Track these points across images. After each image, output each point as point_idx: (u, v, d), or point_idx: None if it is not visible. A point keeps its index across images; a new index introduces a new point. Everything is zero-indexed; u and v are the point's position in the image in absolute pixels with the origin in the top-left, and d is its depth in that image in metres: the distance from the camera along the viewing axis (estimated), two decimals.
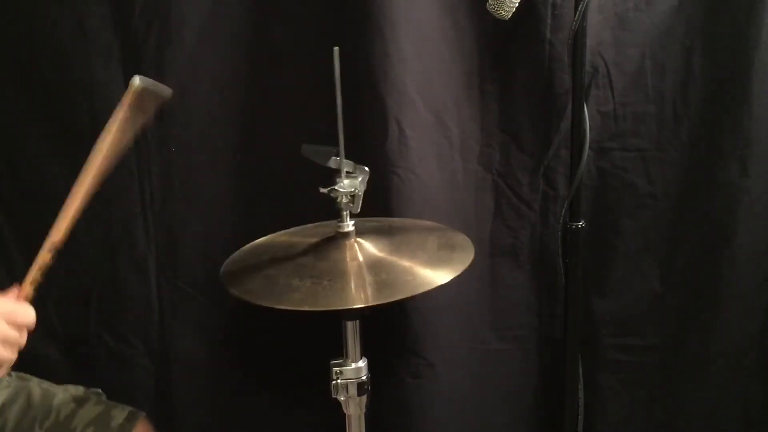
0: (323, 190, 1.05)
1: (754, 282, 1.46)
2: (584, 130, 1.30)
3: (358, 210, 1.09)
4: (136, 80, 0.93)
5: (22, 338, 0.87)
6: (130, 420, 1.19)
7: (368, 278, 1.01)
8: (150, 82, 0.94)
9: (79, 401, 1.20)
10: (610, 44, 1.38)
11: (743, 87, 1.36)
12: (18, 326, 0.87)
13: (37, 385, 1.22)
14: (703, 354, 1.50)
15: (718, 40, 1.36)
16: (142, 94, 0.94)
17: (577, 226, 1.34)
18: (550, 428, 1.57)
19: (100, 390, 1.25)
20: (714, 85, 1.39)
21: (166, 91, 0.96)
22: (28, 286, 0.91)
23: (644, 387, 1.56)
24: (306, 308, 0.96)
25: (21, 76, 1.40)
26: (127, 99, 0.94)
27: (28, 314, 0.88)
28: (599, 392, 1.55)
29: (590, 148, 1.35)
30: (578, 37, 1.25)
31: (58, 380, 1.27)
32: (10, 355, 0.86)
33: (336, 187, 1.05)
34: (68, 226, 0.94)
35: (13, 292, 0.90)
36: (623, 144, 1.44)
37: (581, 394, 1.44)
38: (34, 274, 0.92)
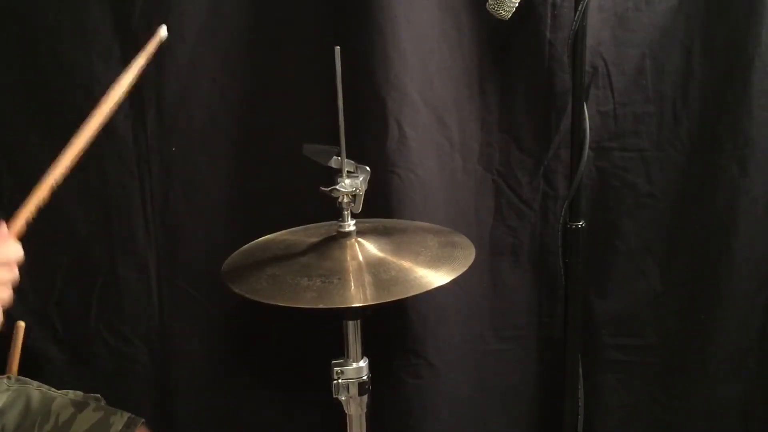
0: (324, 190, 1.05)
1: (754, 282, 1.46)
2: (584, 130, 1.30)
3: (359, 209, 1.09)
4: (164, 30, 1.00)
5: (15, 274, 0.86)
6: (129, 426, 1.18)
7: (373, 277, 1.01)
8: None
9: (78, 406, 1.19)
10: (610, 44, 1.39)
11: (743, 87, 1.36)
12: (8, 264, 0.85)
13: (36, 389, 1.22)
14: (703, 354, 1.50)
15: (718, 40, 1.37)
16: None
17: (577, 226, 1.34)
18: (550, 428, 1.57)
19: (99, 395, 1.25)
20: (714, 85, 1.39)
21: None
22: (22, 223, 0.89)
23: (644, 387, 1.56)
24: (321, 306, 0.96)
25: (21, 76, 1.40)
26: (151, 47, 1.00)
27: (16, 251, 0.86)
28: (599, 392, 1.55)
29: (590, 148, 1.35)
30: (578, 37, 1.26)
31: (59, 379, 1.27)
32: (5, 294, 0.85)
33: (337, 187, 1.05)
34: (70, 165, 0.94)
35: (1, 228, 0.88)
36: (623, 144, 1.44)
37: (581, 394, 1.45)
38: (30, 211, 0.90)
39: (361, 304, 0.97)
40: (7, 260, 0.85)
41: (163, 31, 0.99)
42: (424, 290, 0.99)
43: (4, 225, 0.88)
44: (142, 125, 1.42)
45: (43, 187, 0.92)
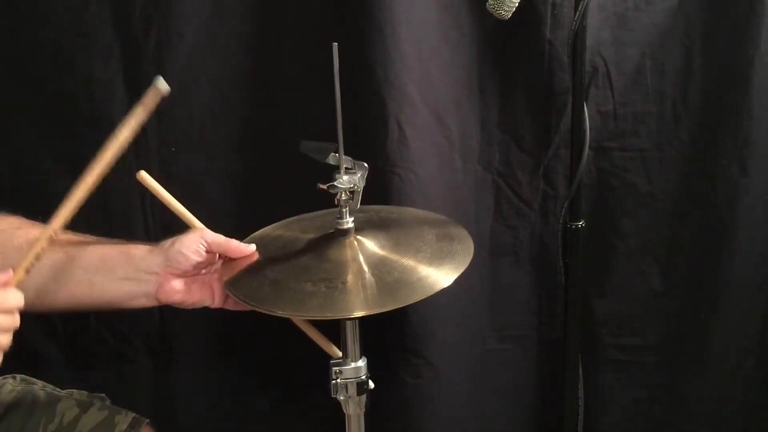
0: (322, 186, 1.04)
1: (754, 282, 1.46)
2: (584, 130, 1.30)
3: (357, 206, 1.09)
4: (164, 86, 0.97)
5: (15, 321, 0.87)
6: (134, 426, 1.18)
7: (377, 278, 0.99)
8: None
9: (83, 406, 1.19)
10: (610, 44, 1.39)
11: (743, 87, 1.36)
12: (9, 311, 0.86)
13: (41, 389, 1.22)
14: (703, 354, 1.50)
15: (718, 40, 1.36)
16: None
17: (577, 226, 1.34)
18: (550, 428, 1.57)
19: (104, 395, 1.25)
20: (714, 85, 1.39)
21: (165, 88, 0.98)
22: (22, 272, 0.91)
23: (644, 387, 1.56)
24: (329, 315, 0.95)
25: (21, 76, 1.40)
26: (149, 100, 0.97)
27: (17, 298, 0.88)
28: (599, 392, 1.55)
29: (590, 148, 1.35)
30: (578, 36, 1.25)
31: (59, 379, 1.27)
32: (5, 340, 0.86)
33: (335, 183, 1.04)
34: (69, 216, 0.95)
35: (2, 276, 0.90)
36: (623, 144, 1.44)
37: (581, 394, 1.44)
38: (30, 260, 0.91)
39: (367, 313, 0.95)
40: (8, 308, 0.87)
41: (161, 84, 0.97)
42: (431, 293, 0.97)
43: (10, 272, 0.90)
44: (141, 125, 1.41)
45: (43, 236, 0.93)
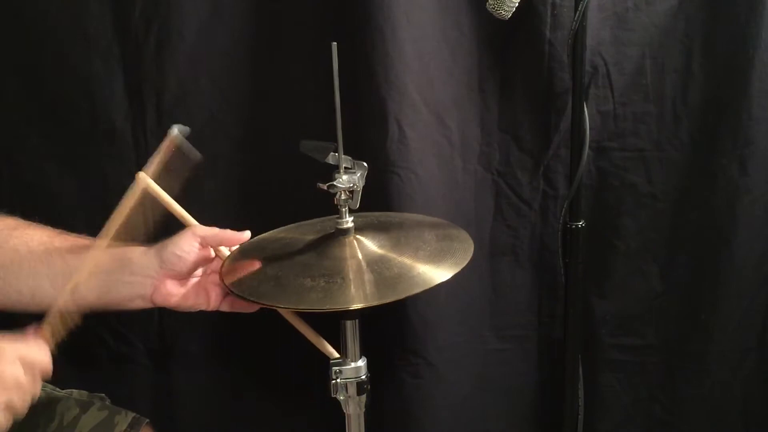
0: (321, 186, 1.05)
1: (754, 282, 1.46)
2: (584, 130, 1.30)
3: (357, 206, 1.09)
4: (175, 130, 0.97)
5: (36, 386, 0.88)
6: (133, 426, 1.18)
7: (376, 275, 1.00)
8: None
9: (83, 406, 1.19)
10: (610, 44, 1.39)
11: (743, 87, 1.36)
12: (33, 373, 0.88)
13: (41, 389, 1.22)
14: (703, 354, 1.50)
15: (718, 40, 1.36)
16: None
17: (577, 225, 1.34)
18: (550, 428, 1.57)
19: (104, 395, 1.25)
20: (714, 85, 1.39)
21: (194, 153, 0.99)
22: (51, 339, 0.93)
23: (644, 387, 1.56)
24: (328, 307, 0.95)
25: (21, 76, 1.40)
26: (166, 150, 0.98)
27: (45, 362, 0.89)
28: (599, 392, 1.55)
29: (590, 148, 1.35)
30: (578, 36, 1.25)
31: (58, 379, 1.27)
32: (21, 403, 0.86)
33: (335, 183, 1.05)
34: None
35: (38, 333, 0.90)
36: (623, 144, 1.44)
37: (581, 394, 1.44)
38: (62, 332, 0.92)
39: (366, 305, 0.95)
40: (34, 370, 0.88)
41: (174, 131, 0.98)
42: (429, 286, 0.97)
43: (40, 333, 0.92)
44: (142, 125, 1.42)
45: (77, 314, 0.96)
